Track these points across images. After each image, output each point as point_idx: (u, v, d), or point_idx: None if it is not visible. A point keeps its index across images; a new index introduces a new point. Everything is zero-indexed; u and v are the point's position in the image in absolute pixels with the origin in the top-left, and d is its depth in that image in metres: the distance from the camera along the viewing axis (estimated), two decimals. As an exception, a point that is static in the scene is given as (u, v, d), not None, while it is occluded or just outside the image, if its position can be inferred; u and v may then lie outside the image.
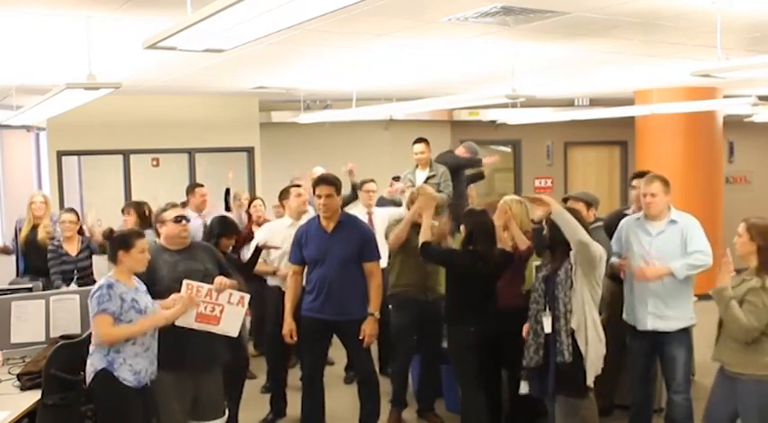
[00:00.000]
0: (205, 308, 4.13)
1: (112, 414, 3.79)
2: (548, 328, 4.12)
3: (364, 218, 6.10)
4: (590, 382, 4.08)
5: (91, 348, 3.81)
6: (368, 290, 4.80)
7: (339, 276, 4.75)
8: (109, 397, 3.77)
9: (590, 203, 4.66)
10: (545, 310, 4.14)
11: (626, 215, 5.32)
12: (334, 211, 4.81)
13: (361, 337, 4.76)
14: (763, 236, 3.73)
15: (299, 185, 5.86)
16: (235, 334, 4.31)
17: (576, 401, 4.13)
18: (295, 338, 4.91)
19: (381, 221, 6.09)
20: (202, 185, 6.92)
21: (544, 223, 4.70)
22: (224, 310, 4.17)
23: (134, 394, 3.80)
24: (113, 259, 3.86)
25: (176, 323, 4.04)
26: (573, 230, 4.01)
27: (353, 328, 4.77)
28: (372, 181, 6.66)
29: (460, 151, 7.34)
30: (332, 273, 4.76)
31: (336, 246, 4.77)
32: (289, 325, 4.89)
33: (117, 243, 3.87)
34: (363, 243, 4.82)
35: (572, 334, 4.03)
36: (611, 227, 5.32)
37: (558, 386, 4.14)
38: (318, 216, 4.89)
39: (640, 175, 5.54)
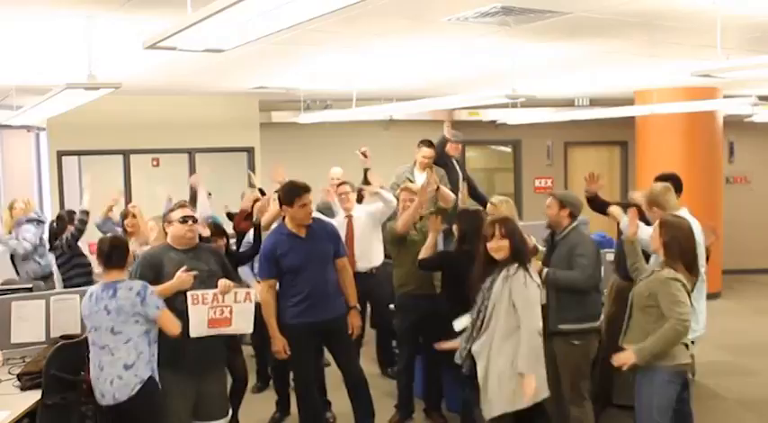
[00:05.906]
0: (215, 312, 4.16)
1: (159, 418, 3.89)
2: (457, 328, 4.23)
3: (343, 222, 6.07)
4: (493, 408, 3.94)
5: (130, 359, 3.77)
6: (342, 285, 4.83)
7: (323, 277, 4.73)
8: (157, 403, 3.84)
9: (563, 204, 4.69)
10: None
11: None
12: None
13: (350, 332, 4.79)
14: (670, 231, 3.90)
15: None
16: (249, 330, 4.37)
17: (480, 412, 4.05)
18: (289, 353, 4.70)
19: (362, 225, 6.09)
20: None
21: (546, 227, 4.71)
22: (233, 310, 4.21)
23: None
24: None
25: (191, 335, 4.07)
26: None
27: (340, 324, 4.77)
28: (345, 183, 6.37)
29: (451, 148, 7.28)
30: (316, 276, 4.71)
31: (315, 249, 4.73)
32: (280, 340, 4.66)
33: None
34: (335, 240, 4.88)
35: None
36: None
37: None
38: (283, 225, 4.78)
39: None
